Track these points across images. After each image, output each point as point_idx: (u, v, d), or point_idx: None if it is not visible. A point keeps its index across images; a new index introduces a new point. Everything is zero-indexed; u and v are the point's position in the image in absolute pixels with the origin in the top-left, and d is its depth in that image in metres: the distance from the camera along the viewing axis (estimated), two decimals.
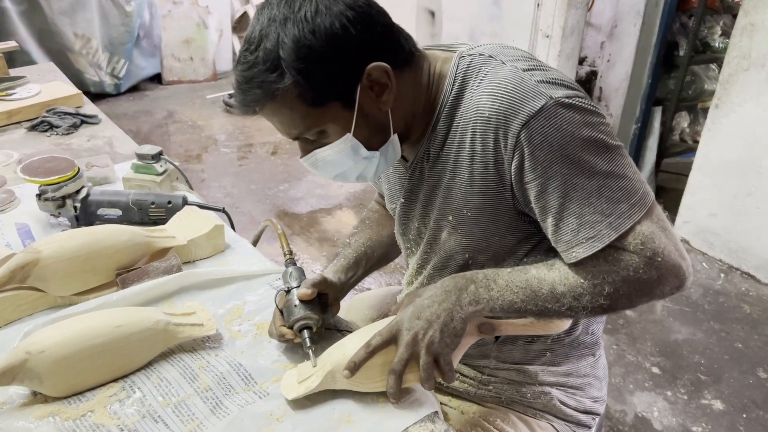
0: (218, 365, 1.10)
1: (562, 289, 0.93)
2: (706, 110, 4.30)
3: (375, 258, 1.28)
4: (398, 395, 1.00)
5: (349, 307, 1.49)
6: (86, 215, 1.48)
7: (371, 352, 0.98)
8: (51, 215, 1.51)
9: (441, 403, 1.16)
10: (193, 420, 0.99)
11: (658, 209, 0.93)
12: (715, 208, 3.16)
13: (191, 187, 1.66)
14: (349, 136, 0.96)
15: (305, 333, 1.08)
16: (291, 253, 1.20)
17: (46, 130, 2.06)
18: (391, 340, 0.98)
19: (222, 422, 0.99)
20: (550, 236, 0.95)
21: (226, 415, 1.00)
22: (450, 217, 1.04)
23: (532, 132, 0.89)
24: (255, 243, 1.51)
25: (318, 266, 3.10)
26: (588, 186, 0.90)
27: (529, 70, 0.94)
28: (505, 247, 1.04)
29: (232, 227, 1.54)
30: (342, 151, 0.98)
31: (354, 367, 0.97)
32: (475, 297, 0.96)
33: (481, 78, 0.96)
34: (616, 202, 0.89)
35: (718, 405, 2.30)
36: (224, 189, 3.97)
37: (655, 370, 2.48)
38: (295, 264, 1.18)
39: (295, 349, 1.13)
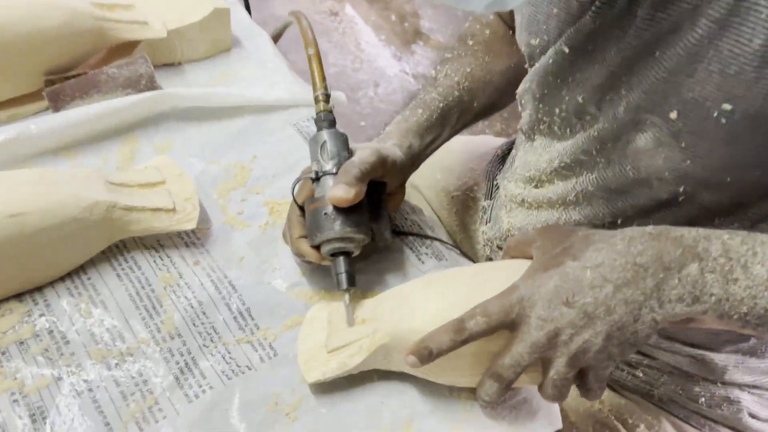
0: (196, 285, 0.65)
1: None
2: None
3: (474, 110, 0.76)
4: (496, 404, 0.57)
5: None
6: None
7: (464, 340, 0.52)
8: None
9: None
10: (144, 397, 0.58)
11: None
12: None
13: None
14: None
15: (341, 263, 0.61)
16: (327, 96, 0.67)
17: None
18: (503, 325, 0.52)
19: (191, 408, 0.57)
20: None
21: (201, 392, 0.58)
22: (673, 114, 0.50)
23: None
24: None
25: (367, 33, 2.48)
26: None
27: None
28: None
29: (247, 8, 0.98)
30: None
31: (428, 357, 0.53)
32: (694, 288, 0.48)
33: None
34: None
35: None
36: None
37: None
38: (332, 122, 0.66)
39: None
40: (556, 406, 0.61)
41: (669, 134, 0.51)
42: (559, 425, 0.61)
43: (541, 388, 0.54)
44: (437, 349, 0.52)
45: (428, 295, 0.58)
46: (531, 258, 0.58)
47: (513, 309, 0.51)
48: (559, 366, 0.51)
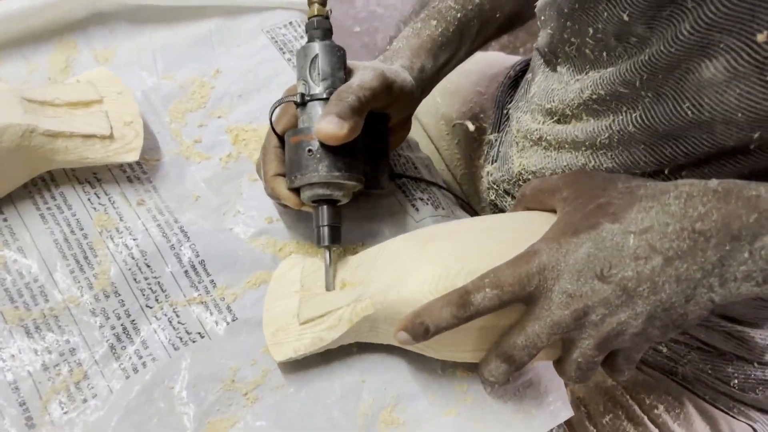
0: (139, 230, 0.53)
1: None
2: None
3: (497, 22, 0.62)
4: (501, 385, 0.48)
5: None
6: None
7: (468, 317, 0.42)
8: None
9: None
10: (71, 371, 0.47)
11: None
12: None
13: None
14: None
15: (324, 213, 0.50)
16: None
17: None
18: (518, 299, 0.41)
19: (127, 386, 0.47)
20: None
21: (141, 365, 0.48)
22: (761, 36, 0.38)
23: None
24: None
25: None
26: None
27: None
28: None
29: None
30: None
31: (424, 335, 0.43)
32: (766, 265, 0.37)
33: None
34: None
35: None
36: None
37: None
38: (327, 32, 0.52)
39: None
40: (561, 385, 0.52)
41: (751, 63, 0.38)
42: (570, 413, 0.51)
43: (558, 365, 0.45)
44: (435, 326, 0.42)
45: (425, 256, 0.46)
46: (553, 212, 0.47)
47: (531, 280, 0.41)
48: (585, 348, 0.42)
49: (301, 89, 0.50)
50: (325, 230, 0.49)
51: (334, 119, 0.46)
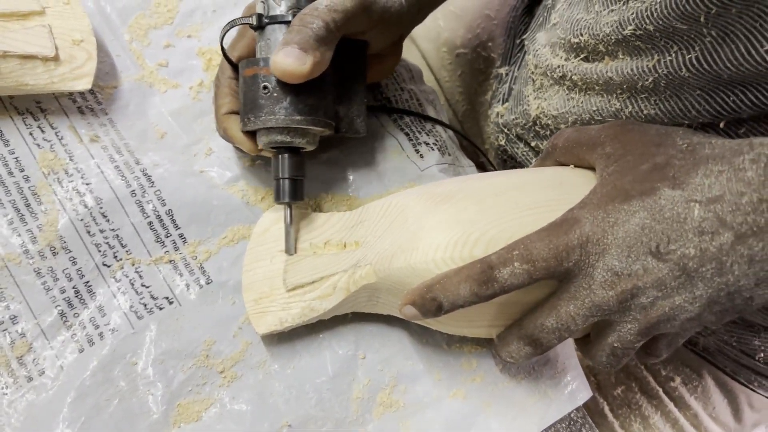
0: (93, 173, 0.45)
1: None
2: None
3: None
4: (520, 364, 0.43)
5: None
6: None
7: (491, 295, 0.35)
8: None
9: None
10: (12, 343, 0.40)
11: None
12: None
13: None
14: None
15: (284, 164, 0.42)
16: None
17: None
18: (552, 276, 0.35)
19: (81, 361, 0.40)
20: None
21: (98, 336, 0.41)
22: None
23: None
24: None
25: None
26: None
27: None
28: None
29: None
30: None
31: (436, 312, 0.37)
32: None
33: None
34: None
35: None
36: None
37: None
38: None
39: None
40: (578, 365, 0.46)
41: None
42: (589, 394, 0.46)
43: (586, 347, 0.39)
44: (450, 303, 0.36)
45: (439, 217, 0.39)
46: (591, 168, 0.40)
47: (570, 254, 0.34)
48: (625, 333, 0.36)
49: (259, 9, 0.42)
50: (285, 183, 0.42)
51: (293, 51, 0.38)
